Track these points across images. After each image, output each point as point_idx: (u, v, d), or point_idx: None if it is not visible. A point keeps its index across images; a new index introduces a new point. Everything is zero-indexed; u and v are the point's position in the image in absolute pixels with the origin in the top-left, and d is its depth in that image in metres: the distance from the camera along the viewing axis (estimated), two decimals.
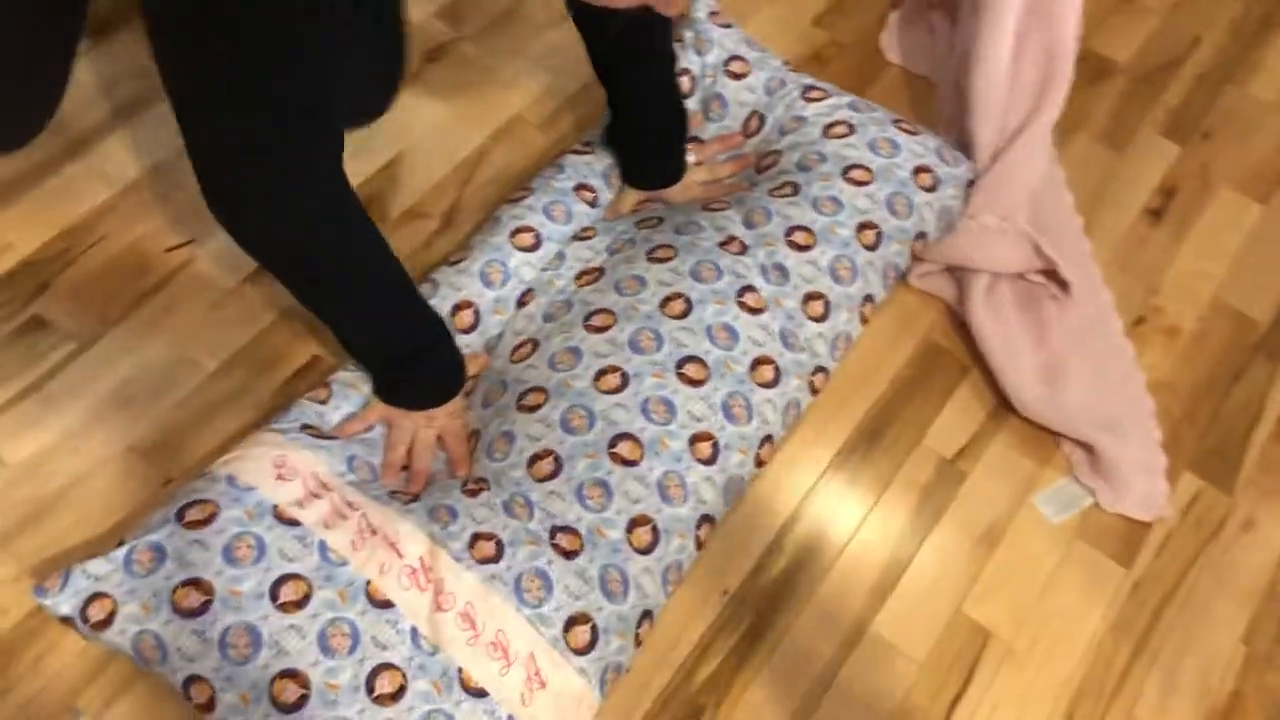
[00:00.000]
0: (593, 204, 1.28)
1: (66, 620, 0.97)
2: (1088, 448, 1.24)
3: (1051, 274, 1.32)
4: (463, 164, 1.36)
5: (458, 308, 1.18)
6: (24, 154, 1.27)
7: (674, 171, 1.28)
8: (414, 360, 1.08)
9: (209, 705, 0.94)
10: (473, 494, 1.04)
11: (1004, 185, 1.32)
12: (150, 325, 1.19)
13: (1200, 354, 1.34)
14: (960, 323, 1.31)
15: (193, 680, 0.94)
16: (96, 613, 0.96)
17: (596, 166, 1.30)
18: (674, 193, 1.29)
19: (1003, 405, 1.27)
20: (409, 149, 1.36)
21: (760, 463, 1.13)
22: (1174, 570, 1.19)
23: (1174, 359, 1.33)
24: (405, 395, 1.09)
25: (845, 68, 1.51)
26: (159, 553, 0.97)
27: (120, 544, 0.97)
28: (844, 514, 1.18)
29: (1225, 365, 1.33)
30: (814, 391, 1.19)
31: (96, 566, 0.97)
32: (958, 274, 1.33)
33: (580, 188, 1.28)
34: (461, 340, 1.16)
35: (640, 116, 1.24)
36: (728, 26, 1.39)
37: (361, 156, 1.33)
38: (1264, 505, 1.24)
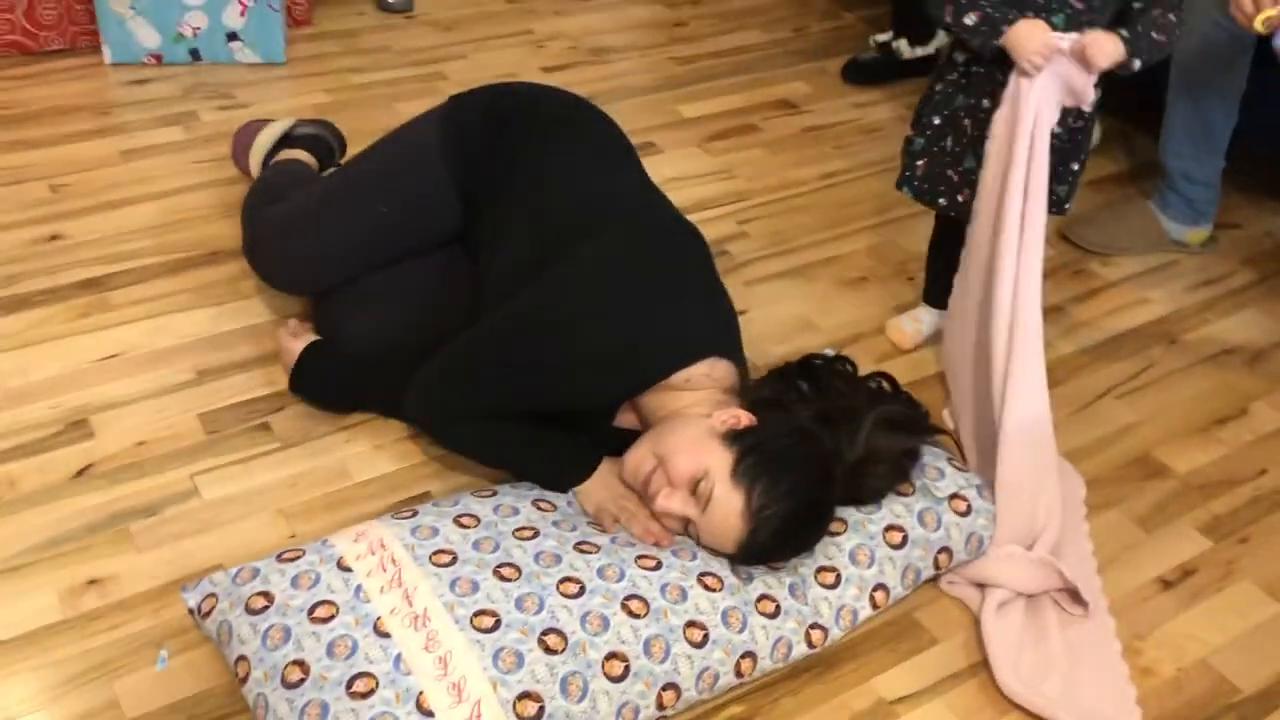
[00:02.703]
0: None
1: (190, 611, 1.37)
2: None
3: (1069, 594, 1.51)
4: None
5: None
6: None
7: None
8: (555, 476, 1.52)
9: (244, 679, 1.28)
10: (500, 578, 1.34)
11: (1027, 525, 1.55)
12: (332, 447, 1.67)
13: (1171, 696, 1.43)
14: (940, 606, 1.51)
15: (240, 659, 1.29)
16: (206, 606, 1.35)
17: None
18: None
19: (954, 679, 1.43)
20: None
21: (739, 673, 1.36)
22: None
23: (1141, 692, 1.43)
24: (567, 483, 1.51)
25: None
26: (255, 573, 1.35)
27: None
28: (778, 710, 1.37)
29: (1194, 711, 1.42)
30: (810, 644, 1.41)
31: (218, 577, 1.37)
32: (981, 586, 1.54)
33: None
34: None
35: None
36: None
37: None
38: None
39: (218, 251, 2.04)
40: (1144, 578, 1.59)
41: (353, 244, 1.75)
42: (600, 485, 1.50)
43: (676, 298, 1.52)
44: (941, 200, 1.78)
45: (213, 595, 1.35)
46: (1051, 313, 2.11)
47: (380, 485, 1.62)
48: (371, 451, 1.67)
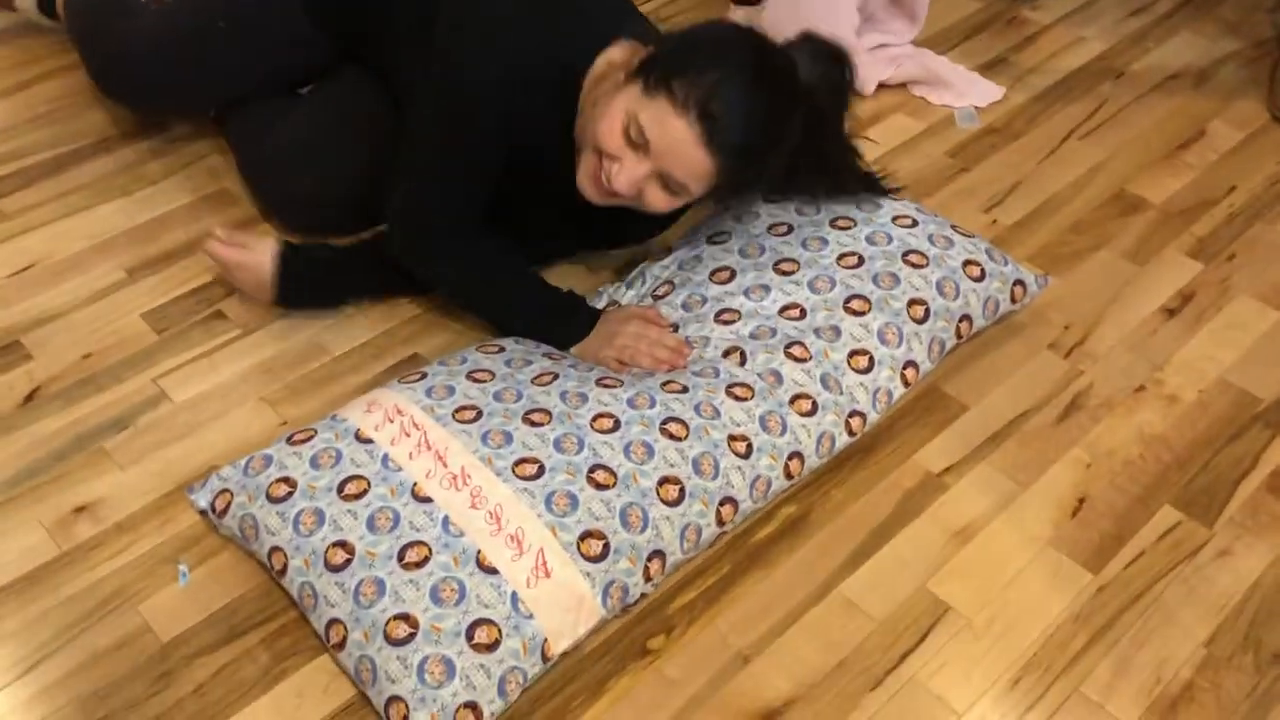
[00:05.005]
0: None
1: (203, 512, 1.27)
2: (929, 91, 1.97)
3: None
4: None
5: None
6: (241, 210, 1.70)
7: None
8: (559, 330, 1.44)
9: (283, 570, 1.19)
10: (531, 424, 1.26)
11: None
12: (298, 324, 1.54)
13: (1199, 418, 1.45)
14: (962, 374, 1.48)
15: (274, 550, 1.20)
16: (220, 504, 1.25)
17: (733, 247, 1.50)
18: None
19: (993, 440, 1.41)
20: None
21: (789, 475, 1.31)
22: (1141, 581, 1.27)
23: (1171, 419, 1.44)
24: (568, 339, 1.43)
25: None
26: (268, 461, 1.26)
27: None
28: (831, 502, 1.34)
29: (1223, 428, 1.43)
30: (851, 433, 1.36)
31: (226, 471, 1.28)
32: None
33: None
34: None
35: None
36: None
37: None
38: (1243, 540, 1.31)
39: (106, 138, 1.83)
40: (1148, 309, 1.59)
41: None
42: (598, 338, 1.42)
43: None
44: None
45: (226, 491, 1.25)
46: (996, 64, 2.07)
47: (361, 355, 1.51)
48: (342, 322, 1.55)
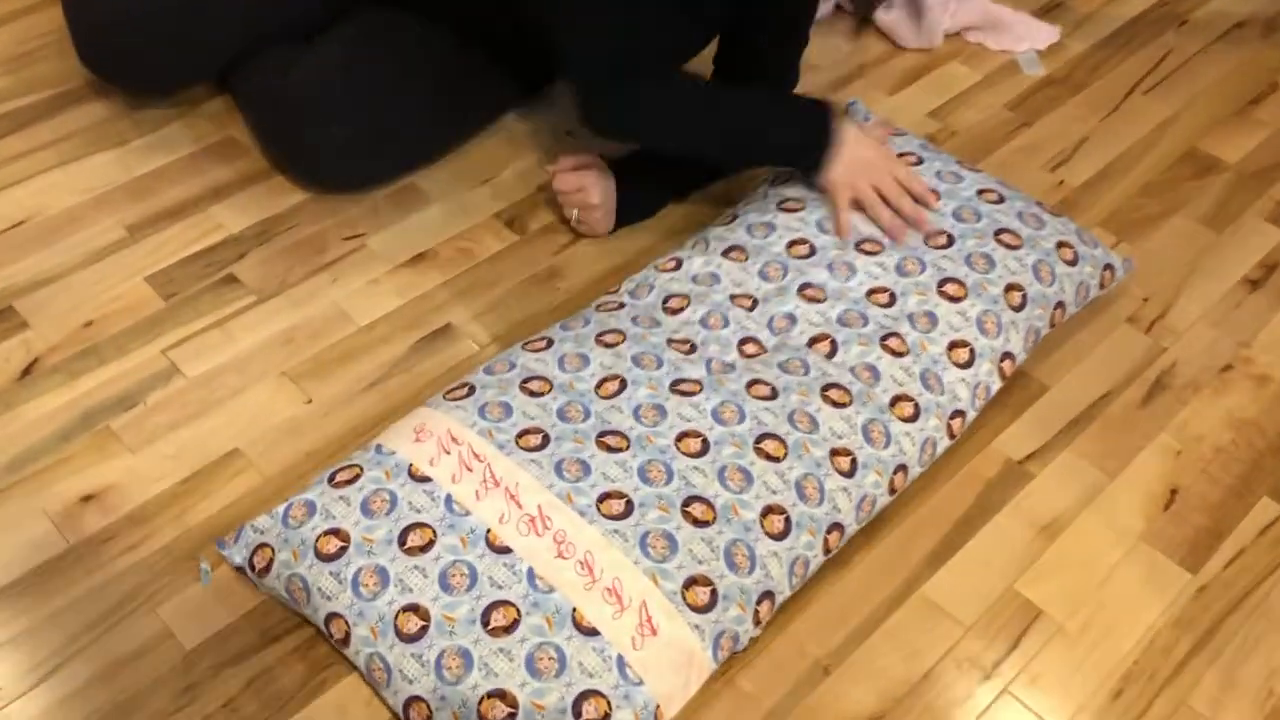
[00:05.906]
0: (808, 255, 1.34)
1: (239, 569, 1.13)
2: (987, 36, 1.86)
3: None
4: None
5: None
6: (249, 162, 1.57)
7: None
8: (795, 133, 1.35)
9: (345, 640, 1.04)
10: (609, 449, 1.12)
11: None
12: (317, 290, 1.42)
13: None
14: (1041, 350, 1.38)
15: (332, 617, 1.05)
16: (259, 561, 1.10)
17: (809, 219, 1.37)
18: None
19: (1076, 424, 1.32)
20: None
21: (893, 490, 1.19)
22: (1244, 581, 1.18)
23: (1262, 402, 1.35)
24: (812, 156, 1.34)
25: (954, 149, 1.66)
26: (310, 508, 1.10)
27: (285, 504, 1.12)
28: (907, 495, 1.24)
29: None
30: (952, 436, 1.24)
31: (262, 522, 1.12)
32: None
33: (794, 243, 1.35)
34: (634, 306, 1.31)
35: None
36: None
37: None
38: None
39: (97, 79, 1.68)
40: (1230, 281, 1.49)
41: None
42: (854, 164, 1.32)
43: None
44: None
45: (265, 546, 1.10)
46: (1054, 10, 1.94)
47: (389, 325, 1.38)
48: (366, 288, 1.43)
